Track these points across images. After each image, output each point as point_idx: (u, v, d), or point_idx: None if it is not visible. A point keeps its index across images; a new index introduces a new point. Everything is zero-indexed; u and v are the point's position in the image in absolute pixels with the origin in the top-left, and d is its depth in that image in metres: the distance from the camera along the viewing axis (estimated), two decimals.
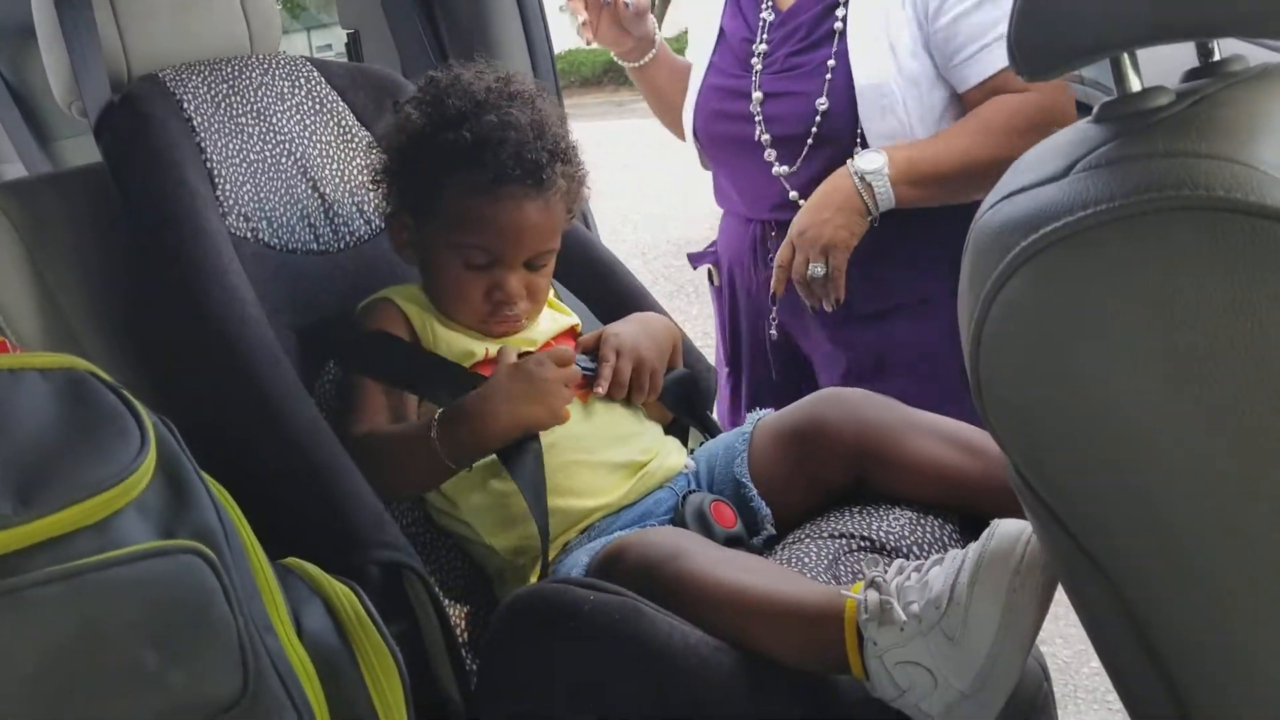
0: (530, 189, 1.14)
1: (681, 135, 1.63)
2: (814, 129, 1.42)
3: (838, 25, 1.42)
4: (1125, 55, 0.63)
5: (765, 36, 1.49)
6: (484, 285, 1.18)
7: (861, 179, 1.35)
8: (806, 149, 1.43)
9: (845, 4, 1.42)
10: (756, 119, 1.46)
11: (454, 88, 1.17)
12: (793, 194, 1.44)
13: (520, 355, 1.15)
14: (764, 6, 1.50)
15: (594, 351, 1.23)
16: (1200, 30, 0.61)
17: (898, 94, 1.39)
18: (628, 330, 1.25)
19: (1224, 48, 0.72)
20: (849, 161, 1.37)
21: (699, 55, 1.58)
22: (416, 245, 1.22)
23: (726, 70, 1.52)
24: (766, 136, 1.46)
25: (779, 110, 1.45)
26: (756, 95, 1.46)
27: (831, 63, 1.41)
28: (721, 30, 1.55)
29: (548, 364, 1.11)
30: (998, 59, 1.35)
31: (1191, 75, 0.69)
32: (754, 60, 1.48)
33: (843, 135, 1.41)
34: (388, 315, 1.21)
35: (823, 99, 1.41)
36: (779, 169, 1.46)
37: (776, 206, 1.47)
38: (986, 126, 1.36)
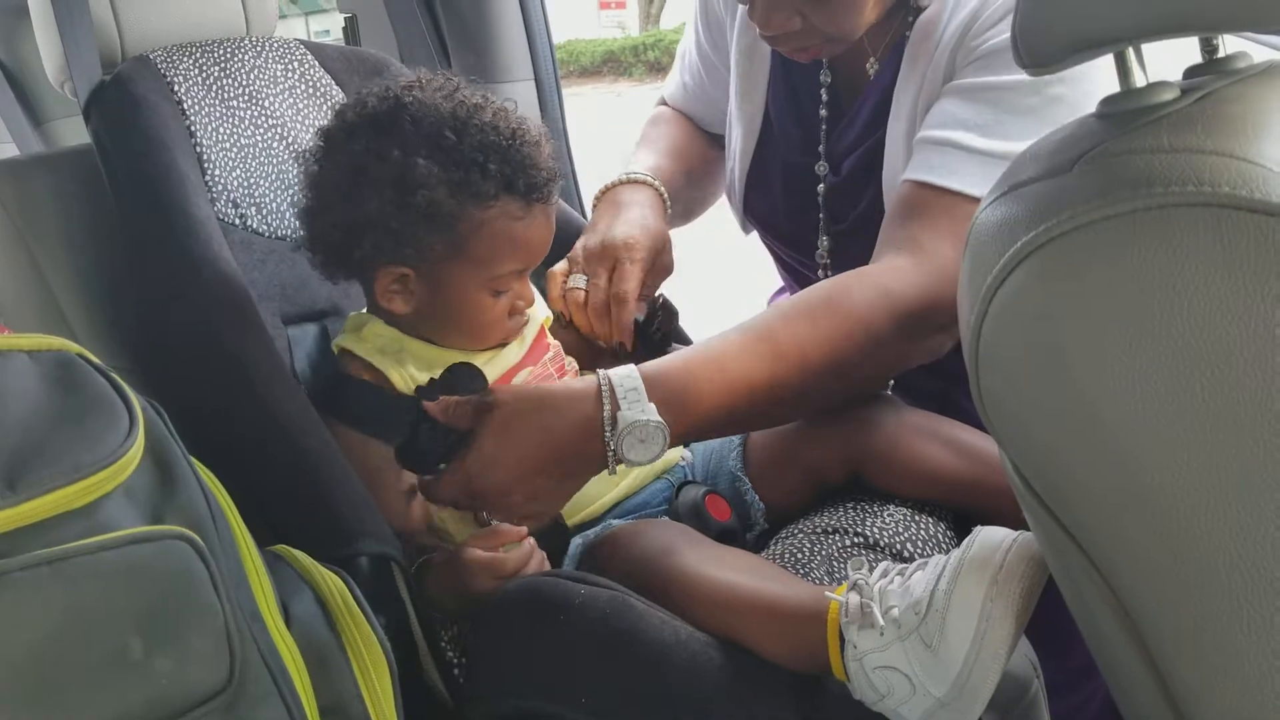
0: (548, 197, 1.10)
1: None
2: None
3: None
4: (1130, 48, 0.62)
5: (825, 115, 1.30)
6: (507, 304, 1.13)
7: None
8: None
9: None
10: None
11: (452, 120, 1.06)
12: None
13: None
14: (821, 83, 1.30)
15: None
16: (1206, 25, 0.60)
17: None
18: None
19: (1228, 44, 0.72)
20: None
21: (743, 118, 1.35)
22: (419, 291, 1.10)
23: (796, 144, 1.32)
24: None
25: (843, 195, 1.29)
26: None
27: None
28: (778, 101, 1.34)
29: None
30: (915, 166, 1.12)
31: (1195, 71, 0.69)
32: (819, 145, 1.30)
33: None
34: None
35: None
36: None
37: None
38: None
